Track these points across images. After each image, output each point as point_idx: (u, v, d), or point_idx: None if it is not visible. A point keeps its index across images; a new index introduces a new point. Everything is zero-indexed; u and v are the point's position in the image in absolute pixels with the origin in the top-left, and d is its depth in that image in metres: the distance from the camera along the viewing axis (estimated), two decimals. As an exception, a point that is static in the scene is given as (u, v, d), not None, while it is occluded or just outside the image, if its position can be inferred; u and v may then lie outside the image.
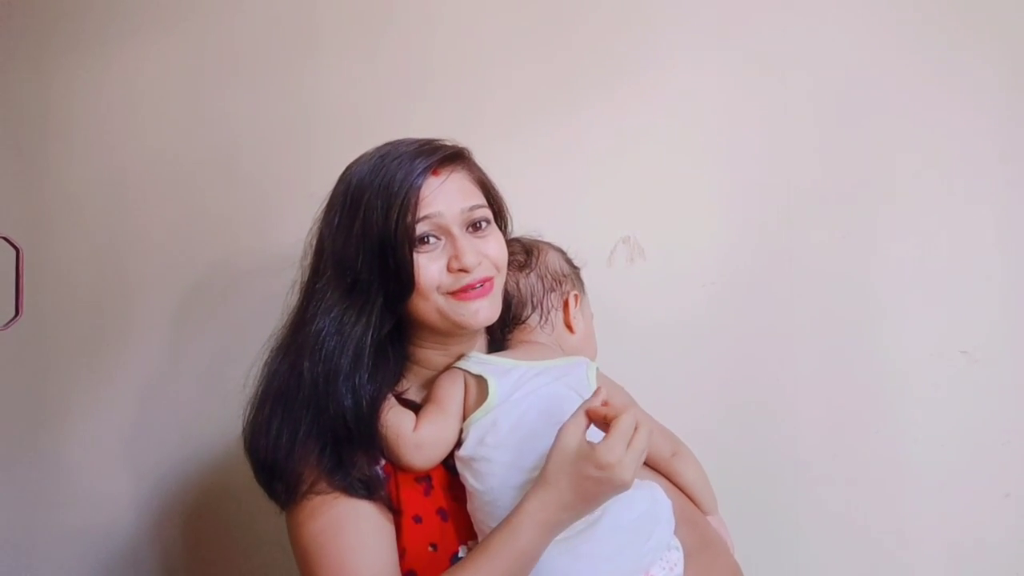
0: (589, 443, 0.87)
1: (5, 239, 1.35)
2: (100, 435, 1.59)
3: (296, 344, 1.00)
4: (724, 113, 1.46)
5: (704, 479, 1.11)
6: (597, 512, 0.90)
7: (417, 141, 1.02)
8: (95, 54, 1.63)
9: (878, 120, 1.41)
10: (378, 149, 1.02)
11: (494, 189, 1.09)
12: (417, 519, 0.97)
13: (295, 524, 0.97)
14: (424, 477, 1.00)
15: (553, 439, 0.90)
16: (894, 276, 1.40)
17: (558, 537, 0.89)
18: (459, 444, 0.99)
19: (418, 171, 0.97)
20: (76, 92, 1.63)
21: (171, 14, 1.61)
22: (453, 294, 0.99)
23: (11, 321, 1.35)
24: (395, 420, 0.98)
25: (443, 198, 0.98)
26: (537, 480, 0.88)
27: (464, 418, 1.00)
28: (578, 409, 0.90)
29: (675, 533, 0.97)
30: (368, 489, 0.95)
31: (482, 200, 1.04)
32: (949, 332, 1.38)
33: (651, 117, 1.48)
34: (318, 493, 0.95)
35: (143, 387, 1.58)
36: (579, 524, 0.90)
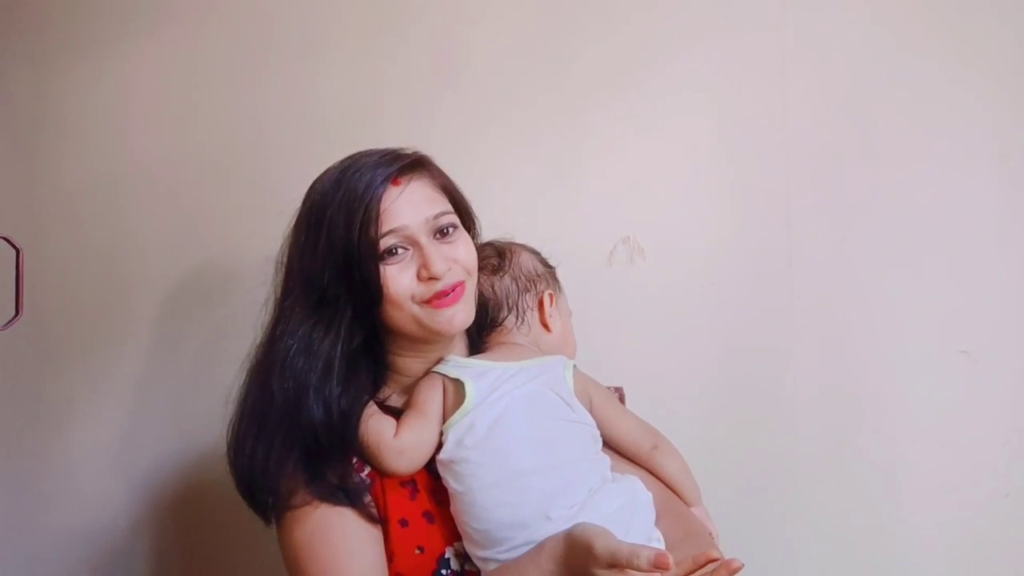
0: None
1: (5, 239, 1.36)
2: (99, 435, 1.59)
3: (267, 363, 1.01)
4: (724, 113, 1.46)
5: (686, 471, 1.11)
6: (576, 507, 0.91)
7: (377, 152, 1.02)
8: (93, 55, 1.63)
9: (877, 121, 1.41)
10: (341, 163, 1.02)
11: (458, 193, 1.08)
12: (403, 523, 0.98)
13: (282, 535, 0.98)
14: (409, 481, 1.01)
15: (529, 433, 0.95)
16: (893, 276, 1.40)
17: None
18: (440, 448, 0.99)
19: (378, 182, 0.97)
20: (74, 92, 1.63)
21: (168, 15, 1.61)
22: (428, 302, 0.99)
23: (11, 321, 1.35)
24: (376, 427, 0.99)
25: (407, 209, 0.98)
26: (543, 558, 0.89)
27: (444, 421, 1.00)
28: (620, 543, 0.84)
29: (658, 525, 0.98)
30: (349, 497, 0.96)
31: (447, 206, 1.03)
32: (949, 332, 1.38)
33: (651, 117, 1.48)
34: (299, 506, 0.96)
35: (142, 387, 1.58)
36: (558, 521, 0.90)
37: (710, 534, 1.09)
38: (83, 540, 1.58)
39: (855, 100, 1.42)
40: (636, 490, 0.98)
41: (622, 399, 1.19)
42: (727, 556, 1.06)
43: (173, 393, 1.57)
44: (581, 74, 1.49)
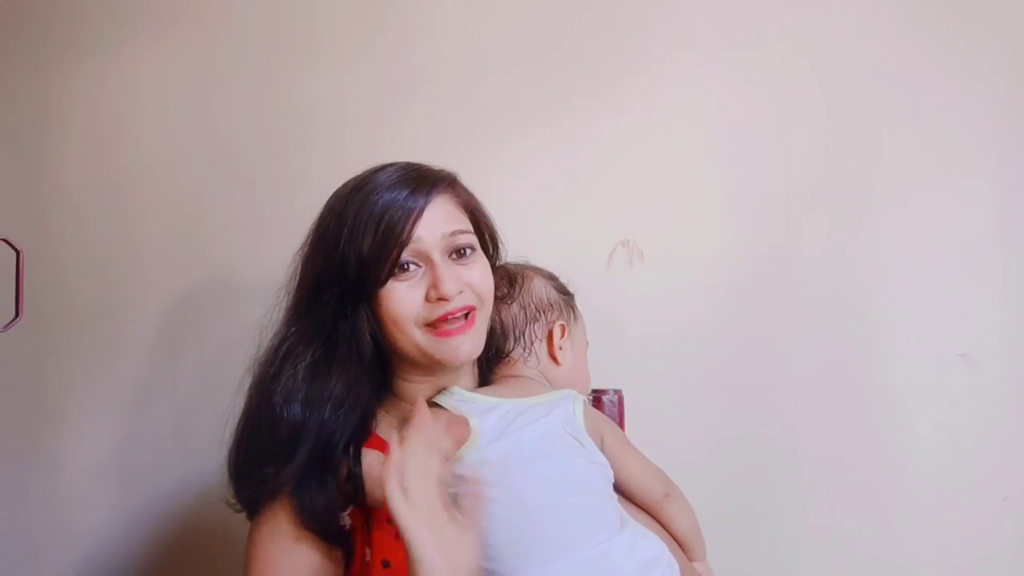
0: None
1: (5, 241, 1.36)
2: (98, 436, 1.59)
3: (265, 377, 0.97)
4: (723, 115, 1.46)
5: (695, 526, 1.05)
6: (598, 547, 0.87)
7: (400, 165, 0.99)
8: (94, 56, 1.63)
9: (877, 123, 1.42)
10: (362, 174, 0.99)
11: (483, 215, 1.04)
12: (385, 563, 0.92)
13: (251, 532, 0.96)
14: None
15: (543, 471, 0.89)
16: (893, 279, 1.40)
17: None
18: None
19: (401, 198, 0.93)
20: (75, 94, 1.63)
21: (170, 16, 1.62)
22: (433, 328, 0.94)
23: (11, 322, 1.36)
24: (370, 459, 0.93)
25: (424, 223, 0.94)
26: None
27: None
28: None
29: None
30: (324, 531, 0.92)
31: (467, 225, 0.99)
32: (947, 335, 1.38)
33: (650, 119, 1.48)
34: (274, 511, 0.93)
35: (142, 388, 1.58)
36: (576, 560, 0.86)
37: None
38: (79, 541, 1.58)
39: (855, 102, 1.42)
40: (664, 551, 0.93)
41: (621, 402, 1.18)
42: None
43: (172, 395, 1.57)
44: (581, 77, 1.49)
